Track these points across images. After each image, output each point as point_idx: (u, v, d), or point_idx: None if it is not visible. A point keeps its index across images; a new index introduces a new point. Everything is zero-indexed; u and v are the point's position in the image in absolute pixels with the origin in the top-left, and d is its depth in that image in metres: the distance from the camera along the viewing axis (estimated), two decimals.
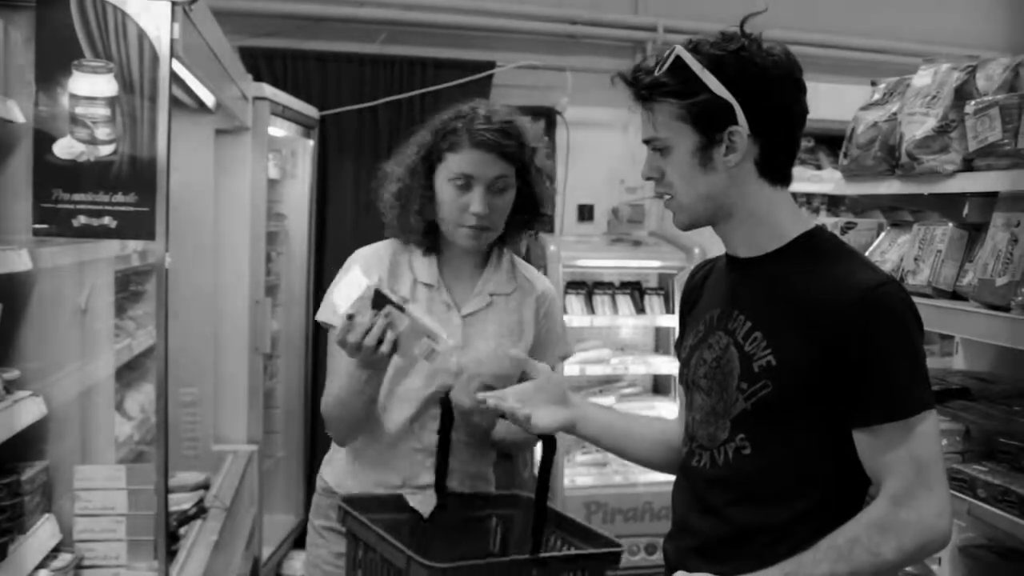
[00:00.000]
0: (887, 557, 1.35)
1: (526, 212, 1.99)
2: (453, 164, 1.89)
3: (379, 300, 1.69)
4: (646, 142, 1.52)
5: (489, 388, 1.75)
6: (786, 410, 1.44)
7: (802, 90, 1.49)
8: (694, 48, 1.45)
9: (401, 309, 1.70)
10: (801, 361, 1.42)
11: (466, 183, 1.88)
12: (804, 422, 1.44)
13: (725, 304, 1.55)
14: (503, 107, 1.96)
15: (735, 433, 1.48)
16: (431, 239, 1.97)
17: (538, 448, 1.67)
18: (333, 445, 2.03)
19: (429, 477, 1.87)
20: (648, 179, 1.55)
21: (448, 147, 1.90)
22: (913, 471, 1.37)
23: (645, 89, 1.48)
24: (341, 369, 1.85)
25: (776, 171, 1.51)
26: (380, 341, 1.69)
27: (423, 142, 1.95)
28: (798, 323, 1.43)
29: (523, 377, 1.75)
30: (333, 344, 1.86)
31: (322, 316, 1.94)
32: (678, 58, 1.45)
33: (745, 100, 1.44)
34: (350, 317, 1.69)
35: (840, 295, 1.40)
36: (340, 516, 1.75)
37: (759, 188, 1.50)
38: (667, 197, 1.53)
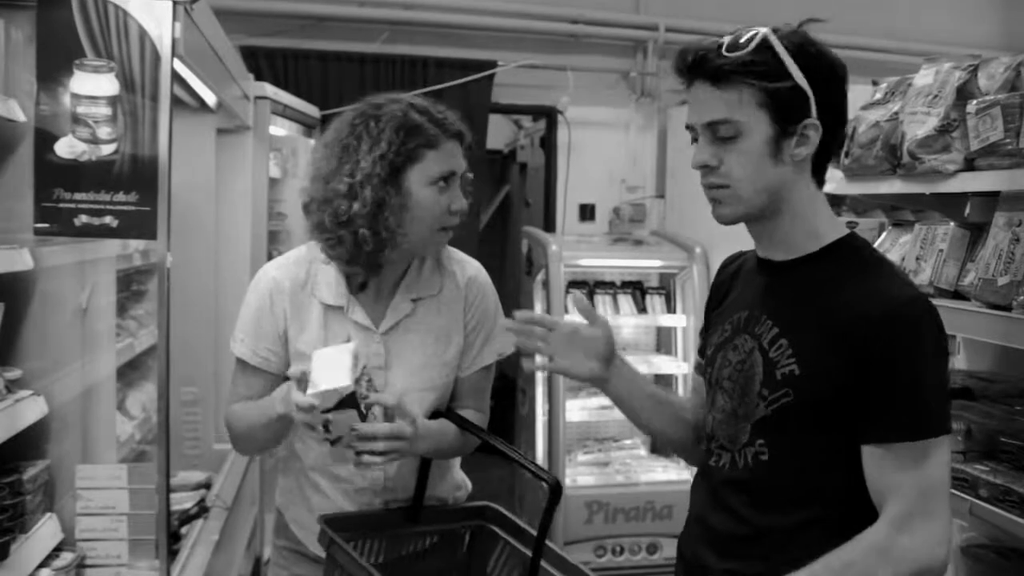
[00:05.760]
0: None
1: None
2: (435, 163, 1.69)
3: (349, 399, 1.59)
4: (708, 125, 1.41)
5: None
6: (805, 420, 1.42)
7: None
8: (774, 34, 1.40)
9: (363, 417, 1.62)
10: (824, 372, 1.39)
11: (446, 181, 1.70)
12: (822, 433, 1.42)
13: (754, 307, 1.52)
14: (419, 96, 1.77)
15: (755, 438, 1.47)
16: (370, 259, 1.72)
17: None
18: None
19: (348, 504, 1.81)
20: (701, 167, 1.44)
21: (425, 143, 1.68)
22: (917, 496, 1.35)
23: (728, 66, 1.38)
24: (252, 398, 1.80)
25: (822, 171, 1.48)
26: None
27: (382, 146, 1.67)
28: (824, 333, 1.39)
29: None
30: (238, 364, 1.82)
31: (240, 351, 1.80)
32: (764, 40, 1.38)
33: (818, 93, 1.39)
34: (326, 411, 1.57)
35: (869, 308, 1.37)
36: (322, 539, 1.70)
37: (807, 187, 1.46)
38: (718, 188, 1.43)
